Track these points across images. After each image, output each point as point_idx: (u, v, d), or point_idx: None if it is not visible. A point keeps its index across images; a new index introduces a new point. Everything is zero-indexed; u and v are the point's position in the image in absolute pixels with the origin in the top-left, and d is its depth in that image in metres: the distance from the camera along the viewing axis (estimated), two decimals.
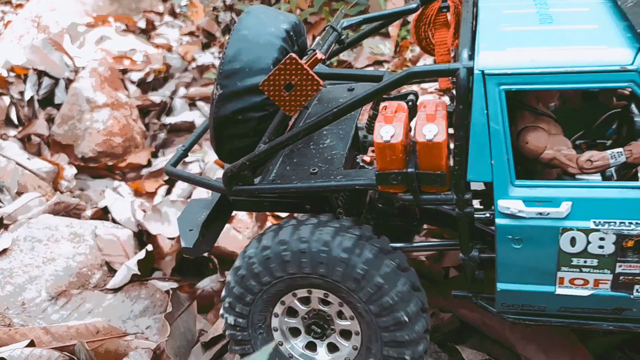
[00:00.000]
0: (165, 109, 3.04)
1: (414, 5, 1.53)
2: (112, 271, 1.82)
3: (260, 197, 1.39)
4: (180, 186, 2.44)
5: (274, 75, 1.11)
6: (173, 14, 4.06)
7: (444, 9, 1.51)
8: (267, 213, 2.25)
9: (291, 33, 1.38)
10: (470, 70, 1.07)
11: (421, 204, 1.17)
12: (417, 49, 2.77)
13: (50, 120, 2.90)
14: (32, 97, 2.94)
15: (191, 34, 3.82)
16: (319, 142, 1.38)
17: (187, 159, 2.66)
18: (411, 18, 3.05)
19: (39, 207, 2.10)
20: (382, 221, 1.38)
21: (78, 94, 2.85)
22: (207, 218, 1.44)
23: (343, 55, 2.93)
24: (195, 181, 1.45)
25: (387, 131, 1.11)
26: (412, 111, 1.64)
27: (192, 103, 3.06)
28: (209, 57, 3.49)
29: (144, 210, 2.15)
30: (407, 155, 1.15)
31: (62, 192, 2.42)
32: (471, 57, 1.10)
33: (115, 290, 1.70)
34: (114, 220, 2.08)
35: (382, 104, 1.19)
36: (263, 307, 1.28)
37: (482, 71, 1.07)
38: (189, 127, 2.93)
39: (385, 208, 1.36)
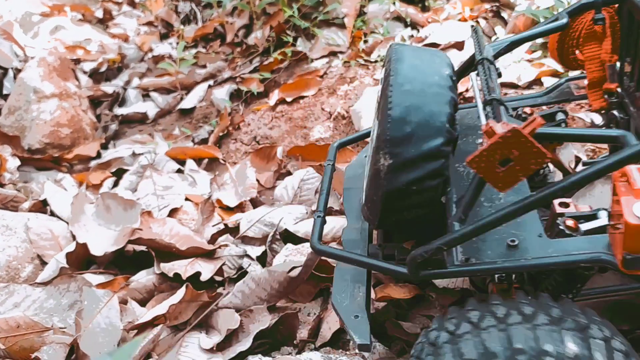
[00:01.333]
0: (118, 99, 2.97)
1: (564, 21, 1.34)
2: (44, 265, 1.76)
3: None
4: (129, 178, 2.39)
5: (489, 150, 0.90)
6: (132, 3, 3.97)
7: (599, 21, 1.36)
8: (215, 205, 2.21)
9: (454, 78, 1.19)
10: None
11: None
12: (371, 40, 2.75)
13: None
14: None
15: (150, 24, 3.74)
16: (492, 197, 1.16)
17: (137, 150, 2.61)
18: (375, 8, 3.05)
19: None
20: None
21: (25, 84, 2.76)
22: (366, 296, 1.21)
23: (299, 46, 2.90)
24: (360, 262, 1.20)
25: None
26: None
27: (145, 94, 2.99)
28: (166, 48, 3.42)
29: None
30: None
31: (3, 185, 2.35)
32: None
33: (45, 284, 1.65)
34: (52, 213, 2.02)
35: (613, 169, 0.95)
36: None
37: None
38: (141, 118, 2.87)
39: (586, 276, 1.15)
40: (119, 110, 2.89)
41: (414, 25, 2.83)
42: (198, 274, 1.66)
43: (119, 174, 2.44)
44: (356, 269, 1.26)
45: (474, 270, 1.05)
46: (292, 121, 2.53)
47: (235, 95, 2.84)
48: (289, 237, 1.94)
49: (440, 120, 1.07)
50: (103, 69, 3.17)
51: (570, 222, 1.09)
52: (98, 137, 2.80)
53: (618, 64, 1.43)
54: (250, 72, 2.91)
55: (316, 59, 2.79)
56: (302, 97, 2.59)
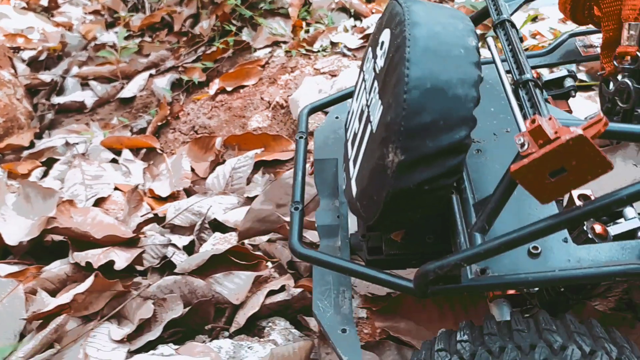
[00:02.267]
0: (56, 88, 2.88)
1: None
2: None
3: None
4: (59, 168, 2.32)
5: (541, 160, 0.72)
6: None
7: None
8: (147, 194, 2.16)
9: (479, 50, 0.93)
10: None
11: None
12: (312, 29, 2.72)
13: None
14: None
15: (96, 12, 3.65)
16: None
17: (70, 140, 2.53)
18: None
19: None
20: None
21: None
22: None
23: (244, 36, 2.86)
24: (356, 273, 0.99)
25: None
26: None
27: (85, 83, 2.91)
28: (111, 36, 3.34)
29: None
30: None
31: None
32: None
33: None
34: None
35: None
36: None
37: None
38: (79, 107, 2.79)
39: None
40: (55, 99, 2.80)
41: (358, 16, 2.82)
42: (112, 262, 1.61)
43: (49, 163, 2.36)
44: (330, 272, 1.09)
45: (494, 285, 0.89)
46: (232, 111, 2.49)
47: (177, 85, 2.78)
48: (219, 226, 1.91)
49: (466, 106, 0.85)
50: (42, 57, 3.08)
51: (599, 229, 0.93)
52: (33, 126, 2.72)
53: None
54: (194, 61, 2.86)
55: (259, 49, 2.75)
56: (243, 87, 2.56)
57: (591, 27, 1.30)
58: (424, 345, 0.95)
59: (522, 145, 0.75)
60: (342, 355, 0.99)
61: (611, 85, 1.26)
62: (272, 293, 1.55)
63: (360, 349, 1.01)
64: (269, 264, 1.68)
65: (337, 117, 1.44)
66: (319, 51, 2.62)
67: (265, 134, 2.29)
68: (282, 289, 1.56)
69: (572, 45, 1.42)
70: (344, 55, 2.56)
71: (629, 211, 0.98)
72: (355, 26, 2.74)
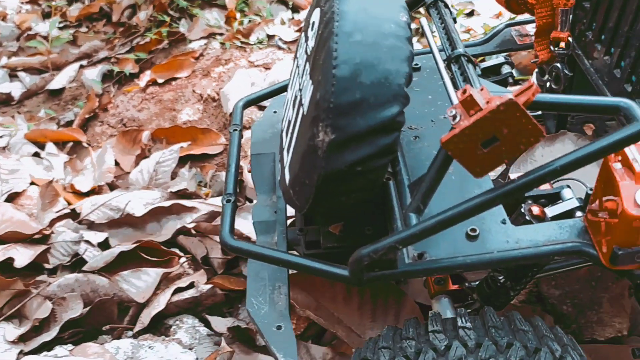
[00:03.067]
0: None
1: None
2: None
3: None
4: None
5: (472, 129, 0.70)
6: None
7: None
8: (66, 189, 2.08)
9: (410, 25, 0.92)
10: None
11: None
12: (246, 21, 2.67)
13: None
14: None
15: (33, 2, 3.51)
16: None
17: None
18: None
19: None
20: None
21: None
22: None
23: (181, 27, 2.79)
24: (291, 264, 0.95)
25: None
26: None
27: (13, 74, 2.79)
28: (47, 26, 3.21)
29: None
30: None
31: None
32: None
33: None
34: None
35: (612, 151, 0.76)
36: None
37: None
38: (5, 99, 2.67)
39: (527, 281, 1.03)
40: None
41: (296, 9, 2.78)
42: (11, 259, 1.54)
43: None
44: (265, 264, 1.03)
45: (431, 270, 0.86)
46: (162, 103, 2.42)
47: (109, 77, 2.69)
48: None
49: (397, 82, 0.83)
50: None
51: (536, 210, 0.94)
52: None
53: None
54: (127, 52, 2.77)
55: (194, 40, 2.69)
56: (175, 79, 2.49)
57: (527, 16, 1.32)
58: (367, 343, 0.92)
59: (454, 117, 0.73)
60: (276, 353, 0.93)
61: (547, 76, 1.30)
62: (180, 290, 1.50)
63: (296, 345, 0.95)
64: (183, 260, 1.63)
65: (275, 112, 1.40)
66: (254, 44, 2.57)
67: (194, 127, 2.23)
68: (191, 285, 1.51)
69: (508, 35, 1.43)
70: (279, 48, 2.52)
71: (566, 192, 0.98)
72: (292, 19, 2.71)
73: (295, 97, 1.01)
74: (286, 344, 0.93)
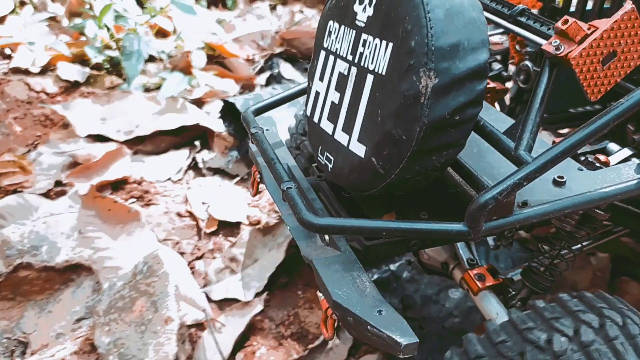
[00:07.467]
0: None
1: None
2: None
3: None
4: None
5: (601, 40, 0.75)
6: None
7: None
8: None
9: None
10: None
11: None
12: None
13: None
14: None
15: None
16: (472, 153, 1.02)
17: None
18: None
19: None
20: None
21: None
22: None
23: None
24: (401, 230, 0.88)
25: None
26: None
27: None
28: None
29: None
30: None
31: None
32: None
33: None
34: None
35: None
36: None
37: None
38: None
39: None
40: None
41: None
42: None
43: None
44: (339, 255, 0.94)
45: (541, 214, 0.87)
46: None
47: None
48: None
49: (482, 28, 0.86)
50: None
51: (603, 158, 1.02)
52: None
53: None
54: None
55: None
56: None
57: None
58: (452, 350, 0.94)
59: (557, 47, 0.83)
60: (391, 336, 0.82)
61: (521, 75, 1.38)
62: None
63: (407, 324, 0.85)
64: None
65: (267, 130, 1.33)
66: None
67: None
68: None
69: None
70: None
71: (612, 145, 1.08)
72: None
73: (344, 77, 1.00)
74: (397, 324, 0.83)
